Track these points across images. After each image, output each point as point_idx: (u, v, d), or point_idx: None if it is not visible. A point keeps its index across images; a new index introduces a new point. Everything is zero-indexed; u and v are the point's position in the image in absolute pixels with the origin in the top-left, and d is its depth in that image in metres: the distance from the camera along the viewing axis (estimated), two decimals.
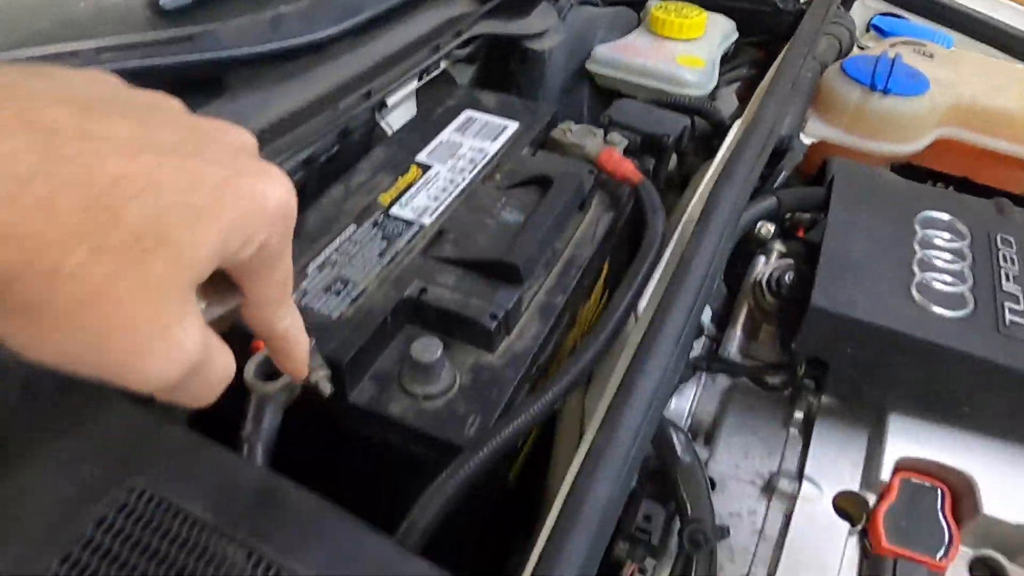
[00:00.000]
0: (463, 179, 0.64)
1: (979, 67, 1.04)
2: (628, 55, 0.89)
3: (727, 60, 1.08)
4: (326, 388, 0.45)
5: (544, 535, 0.39)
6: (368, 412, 0.49)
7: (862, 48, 1.19)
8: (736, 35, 1.03)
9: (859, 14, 1.35)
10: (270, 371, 0.46)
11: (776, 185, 0.80)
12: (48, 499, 0.37)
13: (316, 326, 0.49)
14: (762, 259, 0.72)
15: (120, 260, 0.23)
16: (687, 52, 0.90)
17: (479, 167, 0.66)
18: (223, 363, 0.30)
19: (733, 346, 0.71)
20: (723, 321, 0.74)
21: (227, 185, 0.26)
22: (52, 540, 0.35)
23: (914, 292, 0.60)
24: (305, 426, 0.53)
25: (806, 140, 0.96)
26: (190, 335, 0.26)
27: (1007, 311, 0.58)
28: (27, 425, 0.40)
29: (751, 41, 1.11)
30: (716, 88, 0.97)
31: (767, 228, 0.75)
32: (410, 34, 0.73)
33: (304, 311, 0.51)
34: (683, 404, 0.69)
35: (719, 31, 0.98)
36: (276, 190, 0.28)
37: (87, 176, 0.22)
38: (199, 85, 0.57)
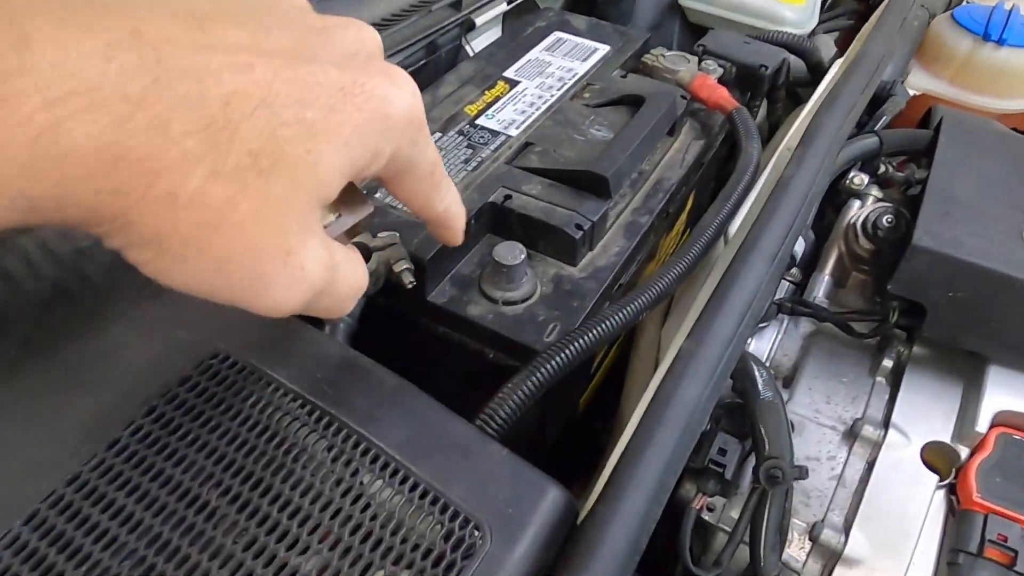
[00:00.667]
0: (551, 96, 0.62)
1: None
2: None
3: (826, 8, 1.03)
4: (408, 280, 0.45)
5: (622, 444, 0.38)
6: (447, 312, 0.48)
7: None
8: None
9: None
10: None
11: (879, 127, 0.76)
12: (137, 356, 0.37)
13: (401, 224, 0.49)
14: (856, 203, 0.69)
15: (238, 183, 0.22)
16: None
17: (568, 85, 0.64)
18: (353, 278, 0.29)
19: (820, 291, 0.68)
20: (809, 267, 0.70)
21: (345, 95, 0.24)
22: (138, 393, 0.35)
23: (1022, 235, 0.56)
24: (386, 322, 0.52)
25: (908, 92, 0.91)
26: (313, 259, 0.25)
27: None
28: (122, 290, 0.40)
29: None
30: (814, 32, 0.93)
31: (860, 178, 0.71)
32: None
33: (390, 209, 0.51)
34: (763, 345, 0.66)
35: None
36: (400, 96, 0.26)
37: (200, 94, 0.21)
38: None
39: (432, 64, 0.67)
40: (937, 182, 0.60)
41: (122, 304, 0.39)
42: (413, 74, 0.65)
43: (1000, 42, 0.85)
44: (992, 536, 0.51)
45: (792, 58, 0.78)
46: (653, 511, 0.35)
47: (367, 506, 0.32)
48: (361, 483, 0.33)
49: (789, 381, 0.64)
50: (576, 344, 0.42)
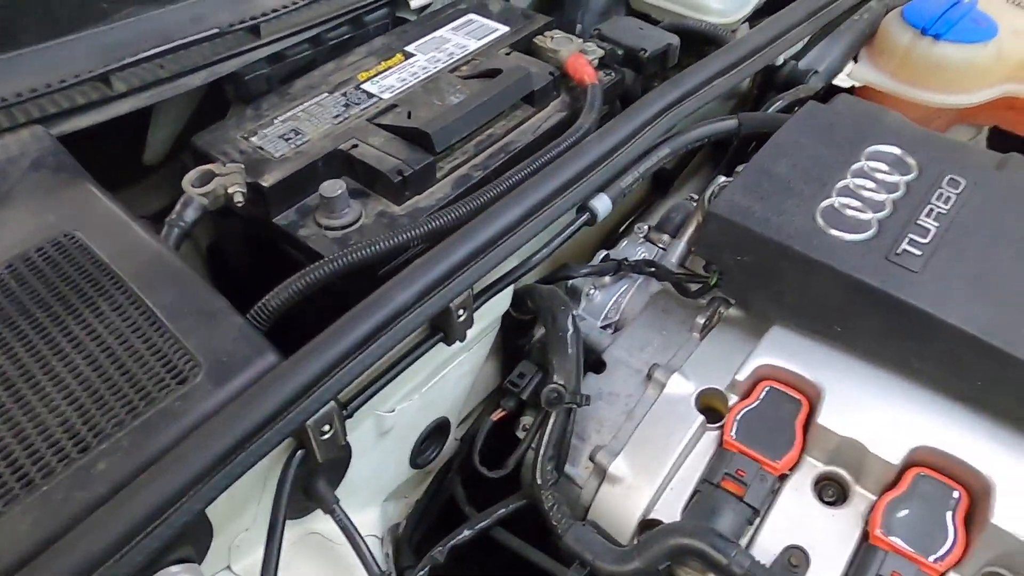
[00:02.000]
0: (435, 68, 0.73)
1: None
2: None
3: None
4: (238, 200, 0.58)
5: None
6: (284, 232, 0.61)
7: None
8: None
9: None
10: (203, 180, 0.59)
11: (768, 111, 0.81)
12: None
13: (259, 160, 0.62)
14: (721, 178, 0.75)
15: None
16: None
17: (456, 60, 0.74)
18: None
19: (675, 255, 0.75)
20: (678, 232, 0.77)
21: None
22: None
23: (817, 213, 0.61)
24: (243, 235, 0.66)
25: (848, 83, 0.94)
26: None
27: (906, 241, 0.58)
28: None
29: None
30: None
31: None
32: None
33: (256, 150, 0.64)
34: (608, 297, 0.75)
35: None
36: None
37: None
38: None
39: (359, 37, 0.79)
40: (760, 158, 0.66)
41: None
42: (338, 46, 0.77)
43: (937, 36, 0.86)
44: (731, 471, 0.58)
45: None
46: (353, 368, 0.47)
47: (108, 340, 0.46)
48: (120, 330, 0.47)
49: (619, 328, 0.72)
50: (342, 260, 0.53)
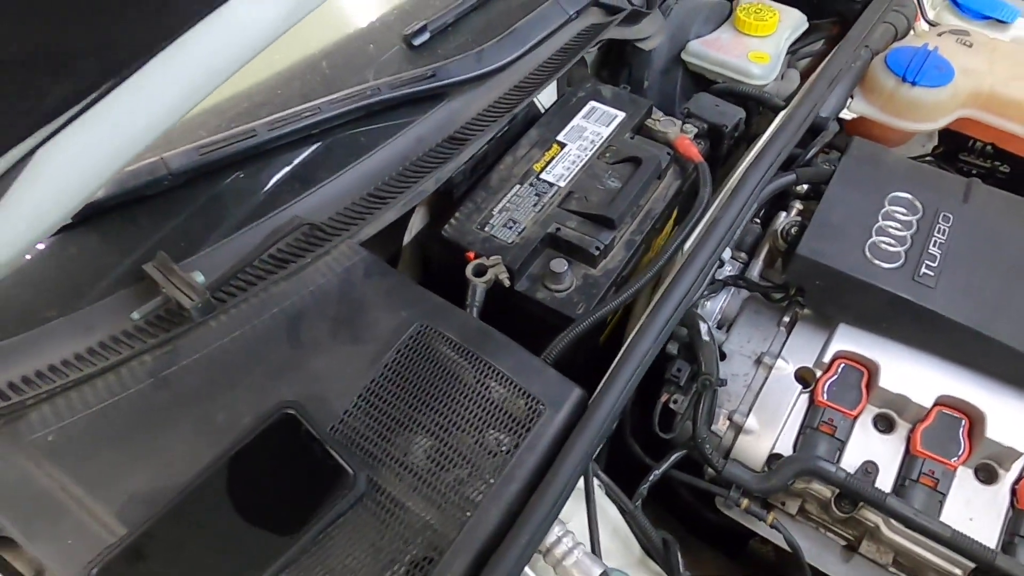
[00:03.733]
0: (586, 155, 1.02)
1: (1009, 54, 1.27)
2: (712, 49, 1.20)
3: (804, 36, 1.36)
4: (505, 281, 0.87)
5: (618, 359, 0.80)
6: (525, 296, 0.90)
7: (926, 26, 1.42)
8: (806, 25, 1.30)
9: None
10: (479, 271, 0.87)
11: (809, 156, 1.13)
12: (381, 327, 0.81)
13: (500, 246, 0.91)
14: (783, 214, 1.07)
15: None
16: (758, 48, 1.20)
17: (596, 146, 1.03)
18: None
19: (756, 270, 1.07)
20: (754, 252, 1.10)
21: None
22: (385, 346, 0.79)
23: (866, 249, 0.94)
24: (497, 298, 0.95)
25: (850, 114, 1.26)
26: None
27: (923, 266, 0.92)
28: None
29: (826, 21, 1.38)
30: (787, 68, 1.27)
31: (800, 189, 1.09)
32: (561, 42, 1.08)
33: (491, 238, 0.92)
34: (716, 305, 1.07)
35: (789, 25, 1.26)
36: None
37: None
38: (424, 99, 0.97)
39: (513, 126, 1.06)
40: (821, 211, 0.98)
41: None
42: (502, 136, 1.05)
43: (914, 83, 1.19)
44: (826, 420, 0.93)
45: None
46: (624, 396, 0.77)
47: (489, 399, 0.76)
48: (488, 388, 0.77)
49: (728, 326, 1.05)
50: (592, 316, 0.84)
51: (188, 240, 0.81)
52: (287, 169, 0.86)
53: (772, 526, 0.90)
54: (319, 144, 0.89)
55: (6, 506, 0.69)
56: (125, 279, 0.79)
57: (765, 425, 0.95)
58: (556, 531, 0.72)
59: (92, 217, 0.77)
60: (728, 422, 0.97)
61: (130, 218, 0.79)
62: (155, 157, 0.79)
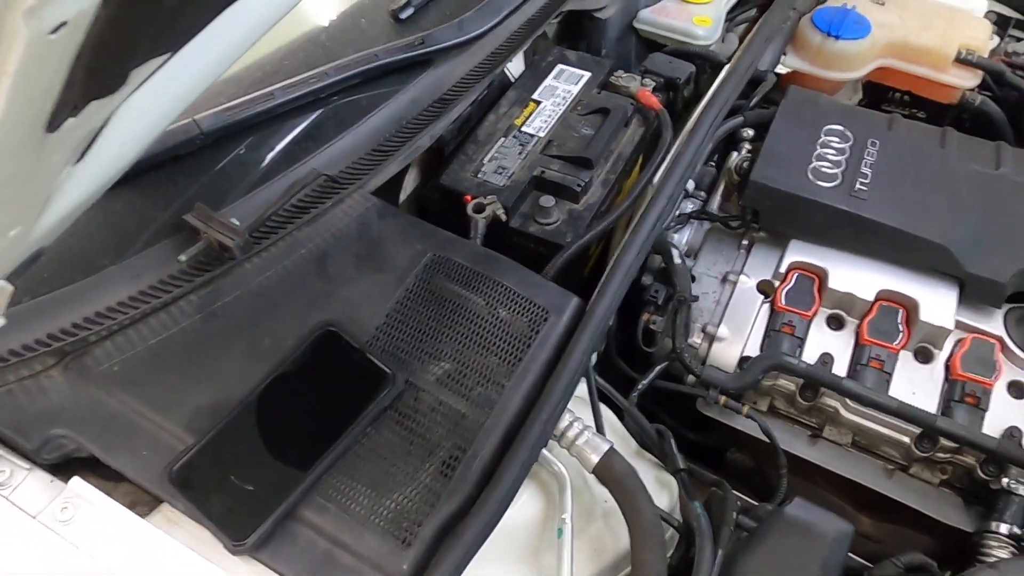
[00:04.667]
0: (559, 109, 1.14)
1: (917, 10, 1.44)
2: (661, 16, 1.35)
3: (737, 5, 1.51)
4: (501, 216, 0.99)
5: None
6: (519, 231, 1.02)
7: None
8: None
9: None
10: (479, 209, 0.99)
11: (752, 104, 1.28)
12: (402, 259, 0.92)
13: (493, 189, 1.02)
14: (735, 154, 1.21)
15: None
16: (700, 13, 1.35)
17: (568, 101, 1.15)
18: None
19: (715, 205, 1.21)
20: (712, 189, 1.24)
21: None
22: (407, 273, 0.90)
23: (808, 172, 1.09)
24: (494, 235, 1.06)
25: (784, 69, 1.41)
26: None
27: (857, 183, 1.07)
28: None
29: None
30: (727, 32, 1.43)
31: (747, 132, 1.24)
32: (529, 14, 1.21)
33: (485, 182, 1.04)
34: (683, 237, 1.20)
35: None
36: None
37: None
38: (414, 65, 1.08)
39: (491, 90, 1.18)
40: (767, 145, 1.13)
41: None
42: (482, 99, 1.17)
43: (837, 37, 1.35)
44: (787, 322, 1.07)
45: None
46: (615, 302, 0.89)
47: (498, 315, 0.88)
48: (497, 302, 0.88)
49: (695, 254, 1.19)
50: (580, 241, 0.96)
51: (220, 193, 0.90)
52: (302, 128, 0.97)
53: (748, 416, 1.04)
54: (327, 108, 1.00)
55: (85, 428, 0.77)
56: (168, 230, 0.88)
57: (734, 333, 1.08)
58: (567, 417, 0.84)
59: (134, 176, 0.86)
60: (702, 333, 1.10)
61: (168, 175, 0.89)
62: (187, 119, 0.88)
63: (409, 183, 1.14)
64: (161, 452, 0.77)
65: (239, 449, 0.77)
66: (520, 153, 1.08)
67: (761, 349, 1.07)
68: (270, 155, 0.95)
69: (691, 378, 1.07)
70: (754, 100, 1.27)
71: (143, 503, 0.75)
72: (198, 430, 0.78)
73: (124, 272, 0.85)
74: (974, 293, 1.03)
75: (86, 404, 0.79)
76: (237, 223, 0.87)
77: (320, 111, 0.99)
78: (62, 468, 0.76)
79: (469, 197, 1.01)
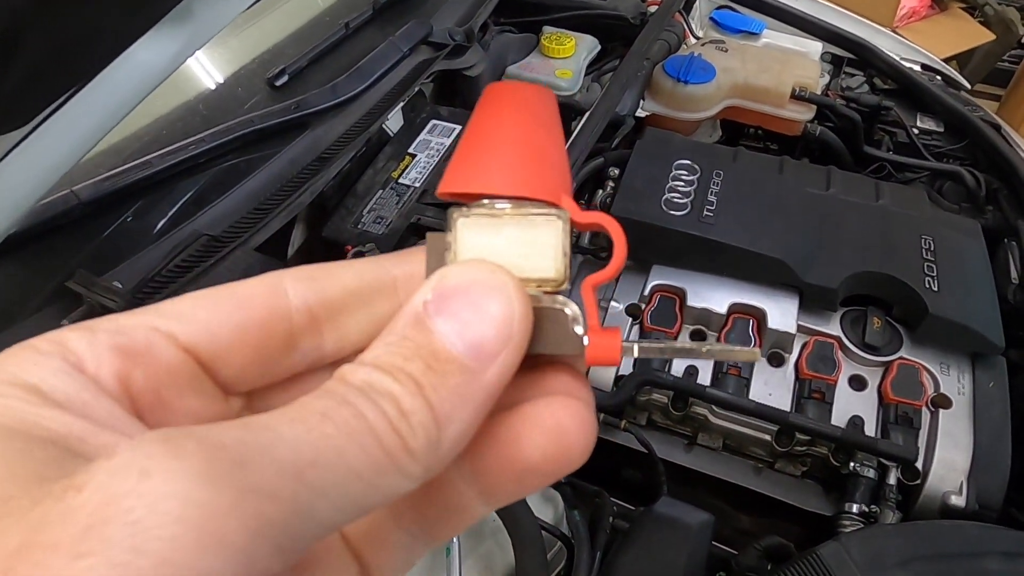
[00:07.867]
0: (434, 160, 1.23)
1: (756, 55, 1.62)
2: (526, 71, 1.47)
3: (599, 59, 1.65)
4: None
5: None
6: None
7: (696, 40, 1.76)
8: (598, 47, 1.60)
9: (703, 8, 1.93)
10: (359, 256, 1.06)
11: (614, 145, 1.40)
12: None
13: (373, 237, 1.09)
14: (600, 191, 1.32)
15: None
16: (563, 67, 1.47)
17: (441, 153, 1.24)
18: None
19: (586, 239, 1.31)
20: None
21: None
22: None
23: (662, 203, 1.21)
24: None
25: (642, 113, 1.55)
26: None
27: (705, 210, 1.19)
28: None
29: (616, 43, 1.68)
30: (592, 83, 1.56)
31: (613, 171, 1.35)
32: (401, 75, 1.30)
33: (365, 232, 1.11)
34: None
35: (585, 47, 1.55)
36: None
37: None
38: (291, 127, 1.15)
39: (369, 147, 1.26)
40: (625, 180, 1.24)
41: None
42: (361, 156, 1.25)
43: (686, 82, 1.50)
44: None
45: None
46: None
47: None
48: None
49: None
50: None
51: (102, 260, 0.94)
52: (185, 194, 1.02)
53: (625, 429, 1.12)
54: (208, 172, 1.05)
55: None
56: (51, 298, 0.91)
57: None
58: None
59: (16, 247, 0.90)
60: None
61: (49, 246, 0.92)
62: (65, 190, 0.92)
63: (297, 238, 1.20)
64: None
65: None
66: (398, 203, 1.16)
67: (634, 367, 1.16)
68: (153, 221, 0.99)
69: None
70: (615, 141, 1.39)
71: None
72: None
73: (7, 340, 0.87)
74: (812, 300, 1.16)
75: None
76: (120, 286, 0.91)
77: (201, 176, 1.04)
78: None
79: (349, 247, 1.07)
